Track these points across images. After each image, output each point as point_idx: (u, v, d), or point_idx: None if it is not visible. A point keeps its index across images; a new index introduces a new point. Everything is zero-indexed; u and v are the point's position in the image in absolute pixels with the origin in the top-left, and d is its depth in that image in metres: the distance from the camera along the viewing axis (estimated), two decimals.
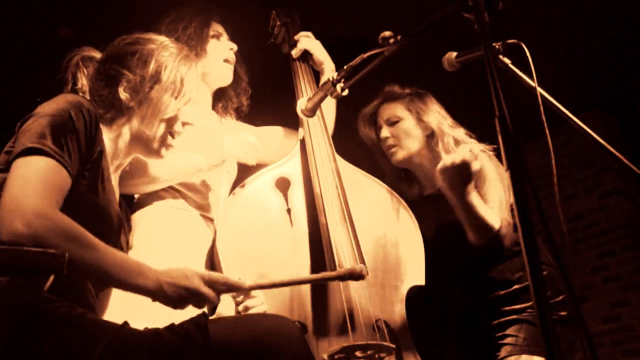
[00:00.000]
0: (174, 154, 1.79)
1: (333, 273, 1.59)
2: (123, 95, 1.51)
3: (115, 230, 1.47)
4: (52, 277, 1.02)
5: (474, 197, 1.91)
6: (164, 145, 1.58)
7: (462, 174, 1.86)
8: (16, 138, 1.33)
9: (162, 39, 1.61)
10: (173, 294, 1.26)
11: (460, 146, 1.87)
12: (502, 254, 2.00)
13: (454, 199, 1.93)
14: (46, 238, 1.13)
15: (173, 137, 1.59)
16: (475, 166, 1.86)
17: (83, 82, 1.58)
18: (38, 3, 3.25)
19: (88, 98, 1.53)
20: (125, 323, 1.26)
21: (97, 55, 1.62)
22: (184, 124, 1.60)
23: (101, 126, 1.46)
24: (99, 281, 1.32)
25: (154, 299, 1.27)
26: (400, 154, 2.25)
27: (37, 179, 1.21)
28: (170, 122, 1.56)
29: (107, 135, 1.50)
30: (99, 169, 1.40)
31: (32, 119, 1.32)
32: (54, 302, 1.17)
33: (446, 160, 1.87)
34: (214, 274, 1.35)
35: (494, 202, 2.01)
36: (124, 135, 1.53)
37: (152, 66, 1.52)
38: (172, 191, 1.93)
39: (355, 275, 1.51)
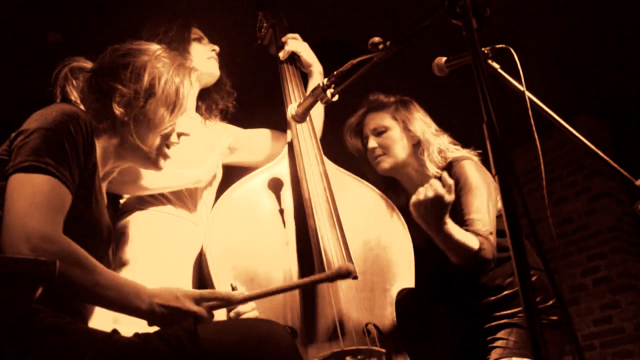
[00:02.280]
0: (170, 167, 1.80)
1: (322, 275, 1.61)
2: (117, 110, 1.47)
3: (105, 242, 1.46)
4: (41, 287, 1.01)
5: (449, 227, 1.86)
6: (161, 156, 1.56)
7: (435, 209, 1.81)
8: (11, 146, 1.31)
9: (154, 48, 1.58)
10: (165, 316, 1.27)
11: (432, 180, 1.81)
12: (486, 267, 2.00)
13: (429, 231, 1.91)
14: None
15: (169, 147, 1.57)
16: (448, 199, 1.80)
17: (74, 94, 1.54)
18: (28, 8, 3.24)
19: (83, 108, 1.50)
20: (114, 331, 1.25)
21: (88, 65, 1.58)
22: (179, 134, 1.58)
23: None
24: (96, 302, 1.32)
25: (147, 320, 1.28)
26: (387, 163, 2.24)
27: (42, 200, 1.21)
28: (167, 135, 1.55)
29: (98, 144, 1.48)
30: (92, 181, 1.38)
31: (32, 132, 1.29)
32: (41, 311, 1.16)
33: (419, 194, 1.82)
34: (204, 292, 1.37)
35: (476, 211, 2.01)
36: (117, 146, 1.51)
37: (146, 79, 1.49)
38: (159, 197, 1.93)
39: (343, 274, 1.53)
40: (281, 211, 1.93)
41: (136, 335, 1.24)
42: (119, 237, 1.80)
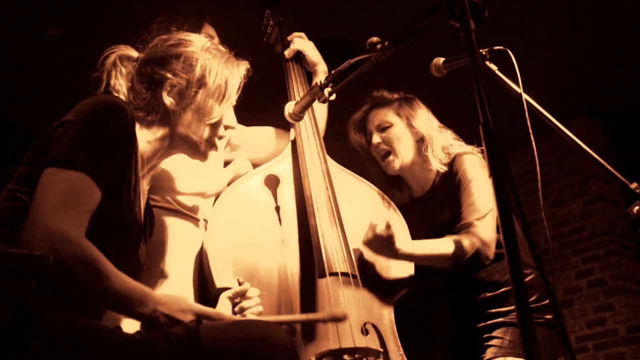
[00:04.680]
0: (181, 175, 1.81)
1: (318, 315, 1.68)
2: (167, 99, 1.48)
3: (134, 239, 1.43)
4: (34, 281, 1.00)
5: (406, 249, 1.92)
6: (210, 147, 1.56)
7: (381, 243, 1.88)
8: (49, 138, 1.30)
9: (203, 40, 1.59)
10: (165, 324, 1.27)
11: (371, 222, 1.89)
12: (478, 261, 2.00)
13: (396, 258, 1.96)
14: (66, 264, 1.13)
15: (220, 139, 1.58)
16: (388, 231, 1.86)
17: (119, 81, 1.53)
18: (27, 2, 3.24)
19: (124, 99, 1.49)
20: (118, 328, 1.25)
21: (134, 53, 1.58)
22: (226, 127, 1.59)
23: (138, 127, 1.42)
24: (101, 304, 1.31)
25: (147, 324, 1.27)
26: (396, 164, 2.25)
27: (70, 198, 1.20)
28: (215, 126, 1.55)
29: (144, 137, 1.47)
30: (126, 175, 1.36)
31: (70, 124, 1.28)
32: (44, 306, 1.15)
33: (365, 237, 1.90)
34: (209, 310, 1.36)
35: (469, 205, 2.04)
36: (165, 138, 1.50)
37: (198, 70, 1.50)
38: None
39: (336, 319, 1.58)
40: (277, 208, 1.93)
41: (139, 332, 1.24)
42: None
